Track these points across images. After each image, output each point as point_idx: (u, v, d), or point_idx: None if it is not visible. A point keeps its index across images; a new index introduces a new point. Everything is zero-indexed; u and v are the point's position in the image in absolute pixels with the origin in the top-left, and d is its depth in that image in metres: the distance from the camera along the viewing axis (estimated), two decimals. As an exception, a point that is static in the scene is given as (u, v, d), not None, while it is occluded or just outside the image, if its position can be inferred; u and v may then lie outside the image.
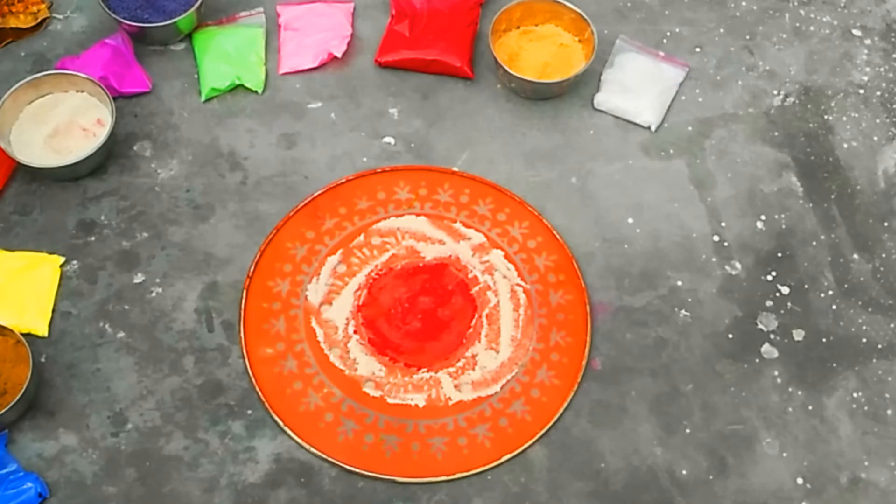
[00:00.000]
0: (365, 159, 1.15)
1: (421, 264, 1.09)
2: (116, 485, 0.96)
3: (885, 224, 1.14)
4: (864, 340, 1.06)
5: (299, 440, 0.98)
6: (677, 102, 1.21)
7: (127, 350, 1.03)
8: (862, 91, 1.23)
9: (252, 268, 1.07)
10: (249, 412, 1.00)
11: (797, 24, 1.28)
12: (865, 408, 1.03)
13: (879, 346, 1.06)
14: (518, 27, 1.22)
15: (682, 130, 1.19)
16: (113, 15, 1.17)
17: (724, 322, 1.07)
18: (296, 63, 1.21)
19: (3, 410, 0.94)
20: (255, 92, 1.19)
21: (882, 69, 1.25)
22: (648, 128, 1.18)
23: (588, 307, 1.06)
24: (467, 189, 1.13)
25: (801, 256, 1.11)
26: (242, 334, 1.03)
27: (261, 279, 1.07)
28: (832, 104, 1.22)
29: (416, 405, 1.01)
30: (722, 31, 1.27)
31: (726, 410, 1.02)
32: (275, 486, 0.97)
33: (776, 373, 1.04)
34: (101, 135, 1.10)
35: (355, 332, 1.05)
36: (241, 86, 1.18)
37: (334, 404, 1.00)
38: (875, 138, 1.19)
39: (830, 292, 1.09)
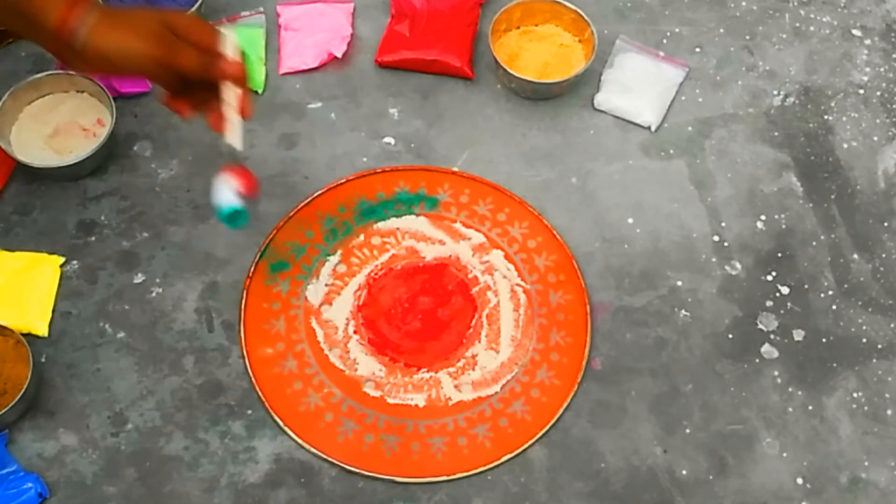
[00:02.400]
0: (365, 159, 1.15)
1: (421, 264, 1.09)
2: (116, 485, 0.96)
3: (885, 224, 1.14)
4: (864, 340, 1.06)
5: (299, 440, 0.98)
6: (677, 102, 1.21)
7: (127, 350, 1.03)
8: (862, 91, 1.23)
9: (252, 268, 1.07)
10: (249, 412, 1.00)
11: (797, 24, 1.28)
12: (865, 408, 1.03)
13: (879, 346, 1.06)
14: (518, 27, 1.22)
15: (682, 130, 1.19)
16: (113, 15, 1.17)
17: (724, 322, 1.07)
18: (296, 63, 1.21)
19: (3, 410, 0.94)
20: (255, 92, 1.19)
21: (882, 69, 1.25)
22: (648, 128, 1.18)
23: (588, 307, 1.06)
24: (467, 189, 1.13)
25: (801, 256, 1.11)
26: (242, 334, 1.03)
27: (261, 279, 1.07)
28: (832, 104, 1.22)
29: (416, 405, 1.01)
30: (722, 31, 1.27)
31: (726, 410, 1.02)
32: (275, 486, 0.97)
33: (776, 373, 1.04)
34: (101, 135, 1.10)
35: (355, 332, 1.05)
36: (241, 86, 1.18)
37: (334, 404, 1.01)
38: (875, 138, 1.19)
39: (830, 292, 1.09)
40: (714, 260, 1.10)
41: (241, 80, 0.92)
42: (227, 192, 0.92)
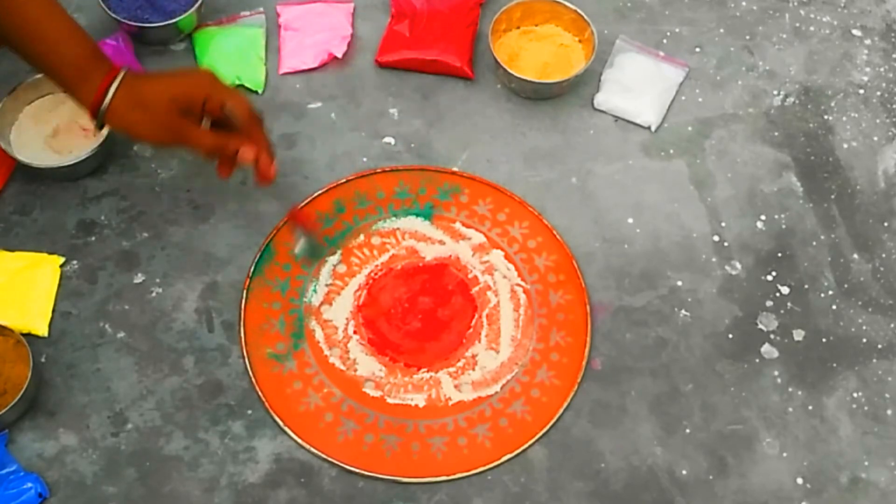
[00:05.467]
0: (365, 159, 1.15)
1: (421, 264, 1.09)
2: (116, 485, 0.96)
3: (885, 224, 1.14)
4: (864, 340, 1.06)
5: (299, 440, 0.98)
6: (677, 102, 1.21)
7: (127, 350, 1.03)
8: (862, 91, 1.23)
9: (252, 268, 1.07)
10: (249, 412, 1.00)
11: (797, 24, 1.28)
12: (865, 408, 1.03)
13: (879, 346, 1.06)
14: (518, 27, 1.22)
15: (682, 130, 1.19)
16: (113, 15, 1.17)
17: (724, 322, 1.07)
18: (296, 63, 1.21)
19: (3, 410, 0.94)
20: (255, 92, 1.19)
21: (882, 69, 1.25)
22: (648, 128, 1.18)
23: (588, 307, 1.06)
24: (467, 189, 1.13)
25: (801, 256, 1.11)
26: (242, 334, 1.03)
27: (261, 279, 1.06)
28: (832, 104, 1.22)
29: (416, 405, 1.01)
30: (722, 31, 1.27)
31: (726, 410, 1.02)
32: (275, 486, 0.97)
33: (776, 373, 1.04)
34: (101, 135, 1.10)
35: (355, 332, 1.05)
36: (241, 86, 1.18)
37: (334, 404, 1.01)
38: (875, 138, 1.19)
39: (830, 292, 1.09)
40: (714, 260, 1.10)
41: (263, 154, 0.99)
42: (300, 239, 1.06)
